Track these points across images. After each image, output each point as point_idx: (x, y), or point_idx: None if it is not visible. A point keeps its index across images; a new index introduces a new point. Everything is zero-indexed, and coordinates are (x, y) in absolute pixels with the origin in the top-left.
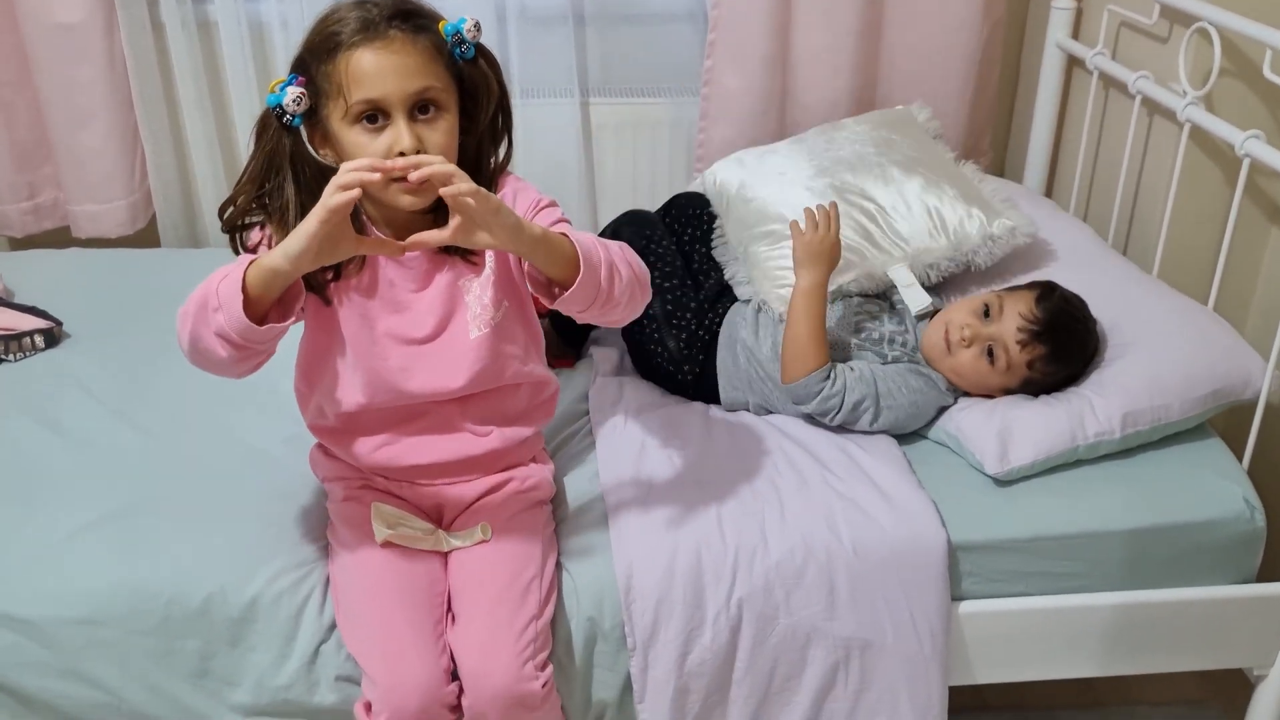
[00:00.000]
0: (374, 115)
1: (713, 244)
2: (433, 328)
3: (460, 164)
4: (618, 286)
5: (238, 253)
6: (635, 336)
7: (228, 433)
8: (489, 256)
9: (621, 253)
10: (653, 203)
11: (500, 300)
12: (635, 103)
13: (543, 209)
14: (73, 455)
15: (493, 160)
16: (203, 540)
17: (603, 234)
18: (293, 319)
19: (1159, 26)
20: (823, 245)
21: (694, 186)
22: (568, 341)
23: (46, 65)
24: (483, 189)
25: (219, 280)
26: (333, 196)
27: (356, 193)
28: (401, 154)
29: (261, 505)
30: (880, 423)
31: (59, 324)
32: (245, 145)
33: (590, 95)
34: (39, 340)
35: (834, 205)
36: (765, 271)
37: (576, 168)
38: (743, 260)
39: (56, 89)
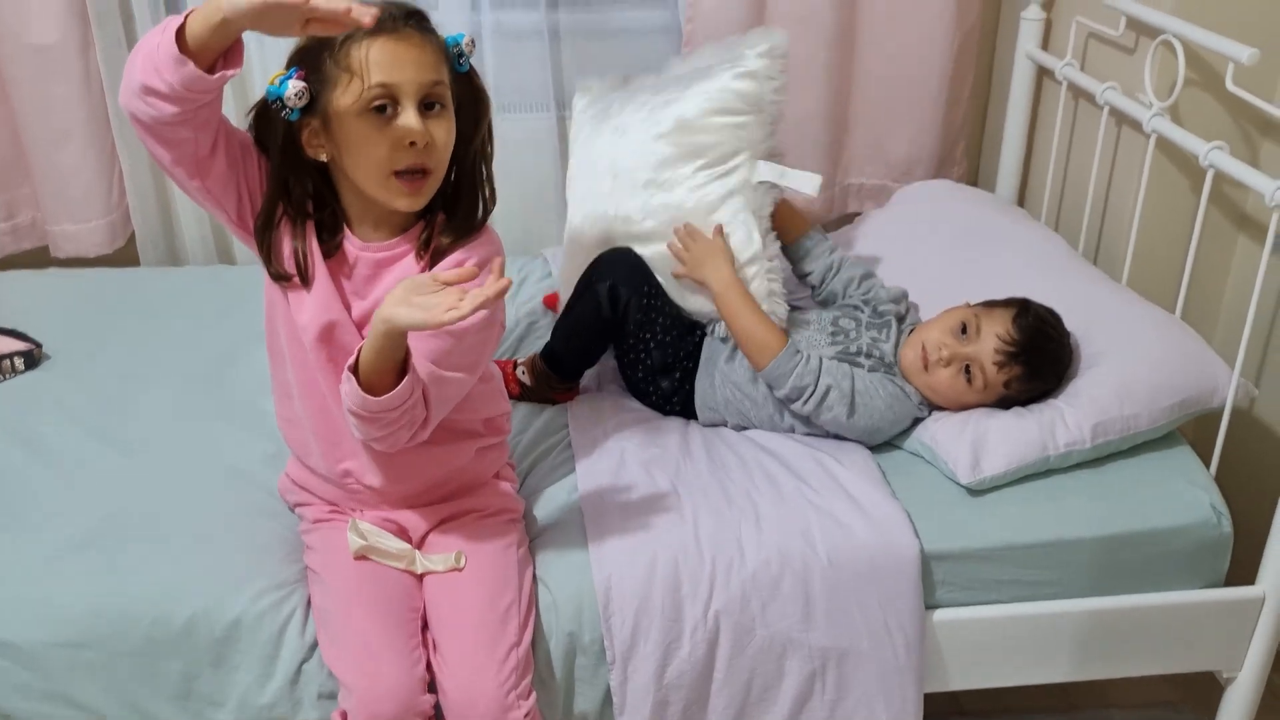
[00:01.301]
0: (384, 105)
1: None
2: (354, 336)
3: (458, 175)
4: (388, 427)
5: (270, 266)
6: (631, 378)
7: (208, 452)
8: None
9: (401, 428)
10: None
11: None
12: None
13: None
14: (54, 477)
15: (484, 181)
16: (184, 560)
17: (593, 286)
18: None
19: (1125, 38)
20: (701, 252)
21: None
22: (564, 375)
23: (22, 86)
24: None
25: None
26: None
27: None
28: (411, 144)
29: (243, 524)
30: (855, 422)
31: (38, 346)
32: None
33: (566, 109)
34: (19, 363)
35: (686, 224)
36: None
37: (553, 182)
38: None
39: (33, 109)
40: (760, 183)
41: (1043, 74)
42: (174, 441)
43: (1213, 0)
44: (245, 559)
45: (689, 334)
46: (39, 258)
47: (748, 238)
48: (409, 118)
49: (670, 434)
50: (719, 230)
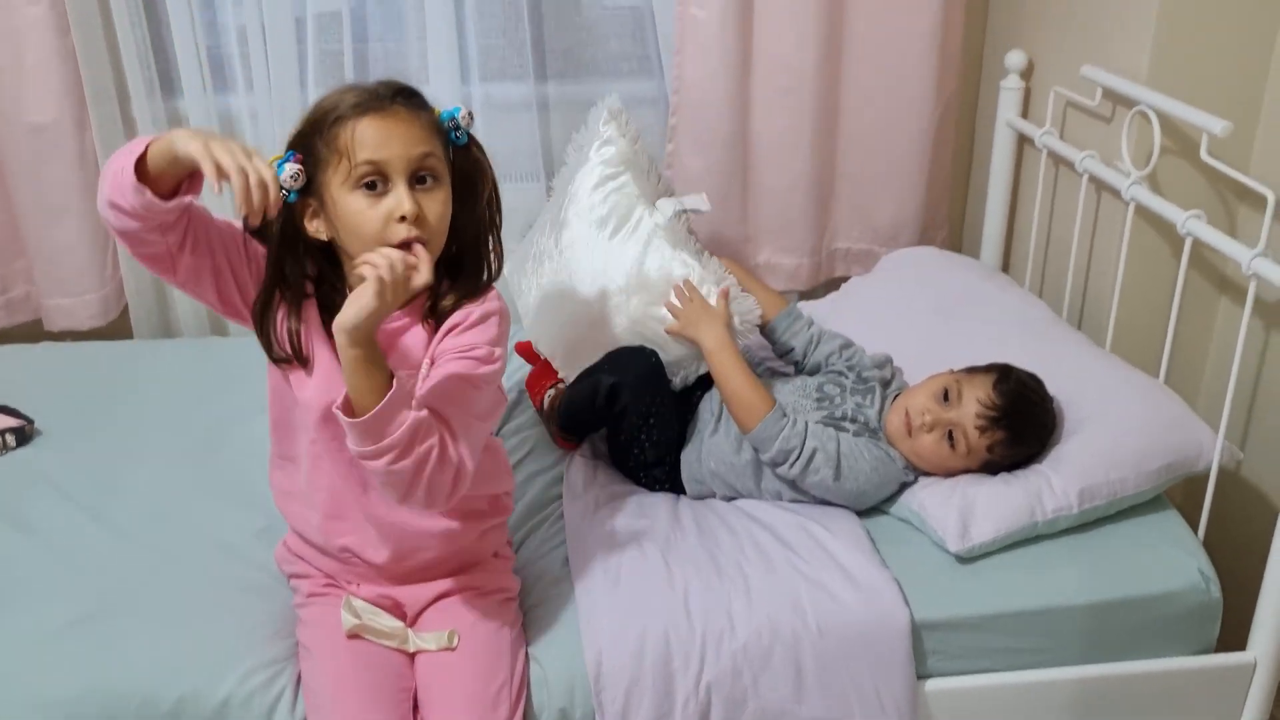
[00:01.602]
0: (374, 182)
1: None
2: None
3: (459, 248)
4: (393, 465)
5: (269, 349)
6: (621, 462)
7: (200, 527)
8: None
9: (431, 440)
10: None
11: None
12: None
13: (460, 354)
14: (44, 556)
15: (492, 249)
16: (174, 641)
17: (600, 375)
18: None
19: (1102, 108)
20: (698, 311)
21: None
22: (565, 430)
23: (18, 163)
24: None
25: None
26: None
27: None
28: (402, 219)
29: (234, 601)
30: (841, 485)
31: (30, 422)
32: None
33: (555, 178)
34: (10, 440)
35: (686, 281)
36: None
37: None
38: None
39: (28, 186)
40: (668, 219)
41: (1023, 141)
42: (165, 518)
43: (1186, 72)
44: (235, 637)
45: (679, 423)
46: (32, 331)
47: (685, 267)
48: (399, 193)
49: (660, 505)
50: (724, 294)
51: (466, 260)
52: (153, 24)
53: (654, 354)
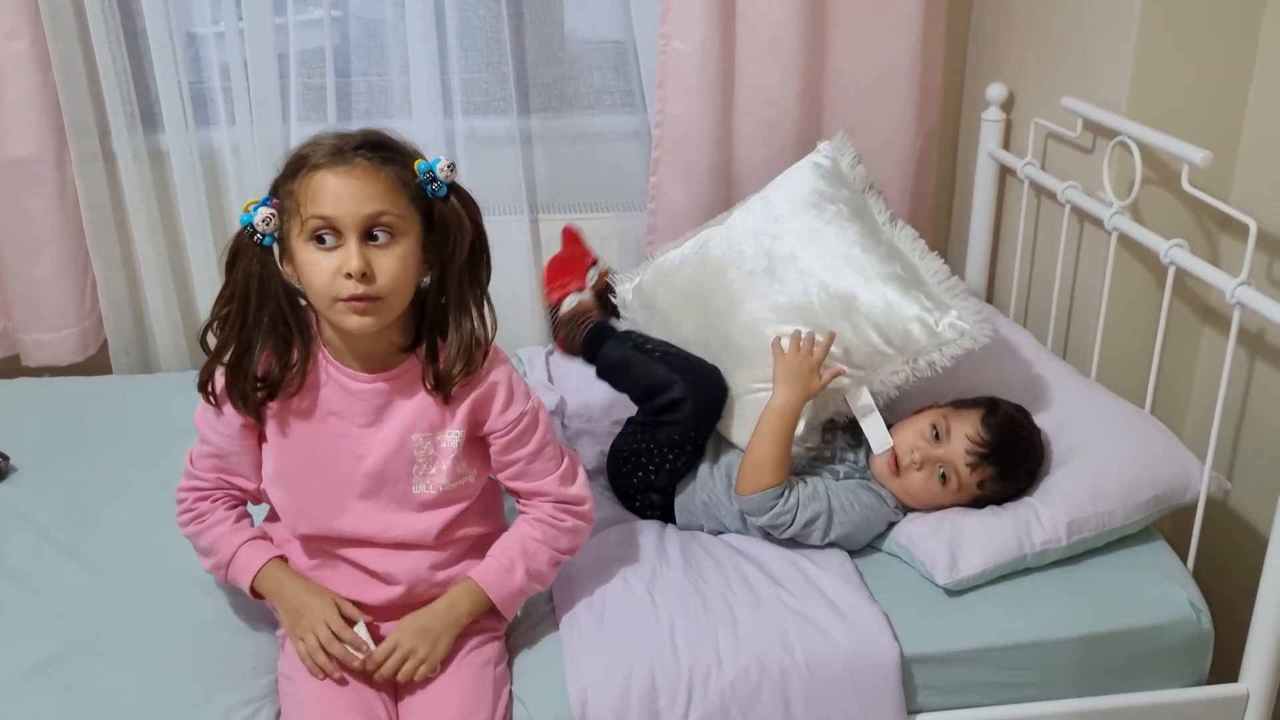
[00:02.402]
0: (324, 235)
1: None
2: (371, 468)
3: (434, 302)
4: (543, 586)
5: (206, 389)
6: (620, 474)
7: (178, 564)
8: (455, 426)
9: (541, 559)
10: None
11: (460, 475)
12: (584, 218)
13: (520, 429)
14: (19, 594)
15: (474, 301)
16: (150, 679)
17: (672, 382)
18: None
19: (1083, 139)
20: (801, 368)
21: (622, 298)
22: (592, 361)
23: None
24: (430, 657)
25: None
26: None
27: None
28: (349, 275)
29: (212, 638)
30: (831, 536)
31: (6, 459)
32: (198, 270)
33: (539, 211)
34: None
35: (830, 336)
36: (754, 415)
37: (528, 282)
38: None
39: (6, 221)
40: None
41: (1005, 173)
42: (143, 555)
43: (1166, 102)
44: (213, 675)
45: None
46: (10, 366)
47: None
48: (348, 250)
49: (646, 537)
50: (834, 375)
51: (450, 318)
52: (134, 58)
53: (725, 385)
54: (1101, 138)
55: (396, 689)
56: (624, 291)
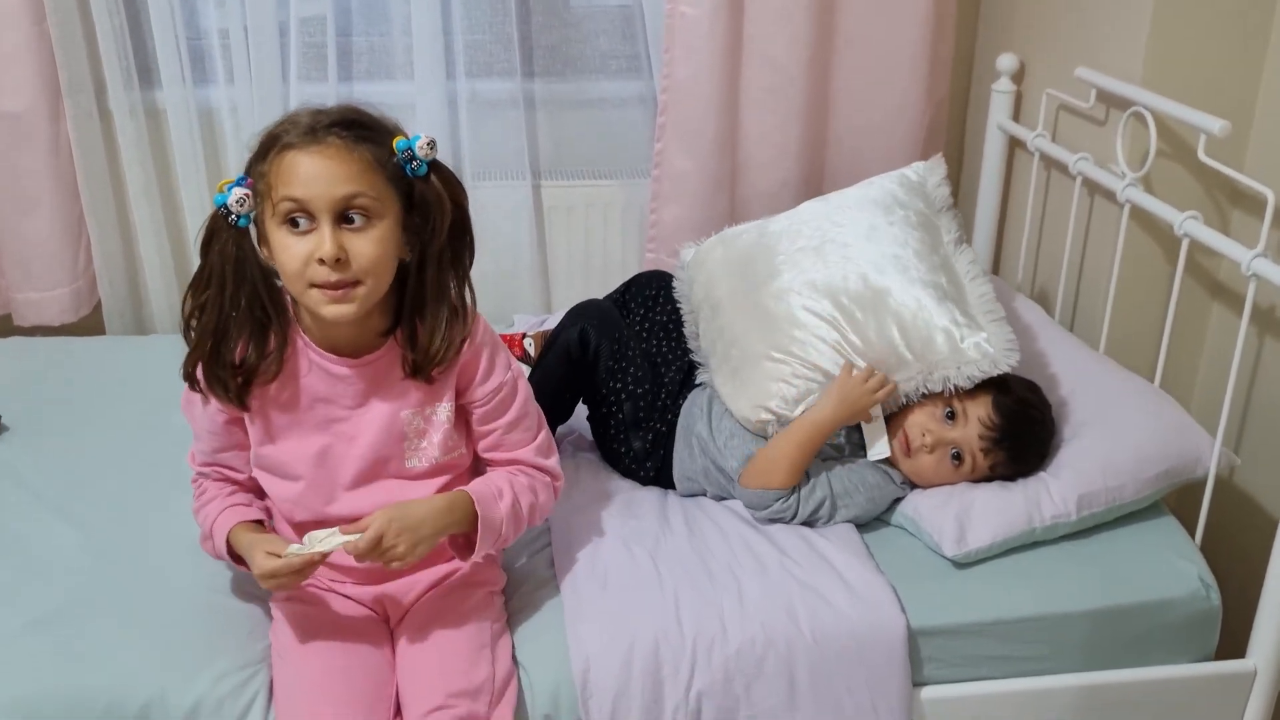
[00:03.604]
0: (297, 218)
1: (686, 334)
2: (364, 450)
3: (416, 286)
4: (516, 533)
5: (192, 380)
6: (602, 436)
7: (172, 526)
8: (445, 400)
9: (524, 500)
10: (604, 283)
11: (453, 447)
12: (587, 184)
13: (499, 399)
14: (9, 554)
15: (454, 284)
16: (142, 642)
17: (564, 331)
18: None
19: (1096, 110)
20: (858, 396)
21: (682, 259)
22: (552, 411)
23: None
24: (408, 558)
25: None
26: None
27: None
28: (321, 261)
29: (205, 602)
30: (835, 520)
31: None
32: (194, 231)
33: (542, 177)
34: None
35: (894, 385)
36: (760, 386)
37: (529, 248)
38: (722, 358)
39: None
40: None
41: (1014, 145)
42: (136, 517)
43: (1182, 72)
44: (206, 639)
45: (660, 390)
46: (1, 325)
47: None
48: (321, 234)
49: (648, 505)
50: (877, 412)
51: (428, 299)
52: (131, 12)
53: (603, 301)
54: (1115, 109)
55: (394, 643)
56: (686, 253)
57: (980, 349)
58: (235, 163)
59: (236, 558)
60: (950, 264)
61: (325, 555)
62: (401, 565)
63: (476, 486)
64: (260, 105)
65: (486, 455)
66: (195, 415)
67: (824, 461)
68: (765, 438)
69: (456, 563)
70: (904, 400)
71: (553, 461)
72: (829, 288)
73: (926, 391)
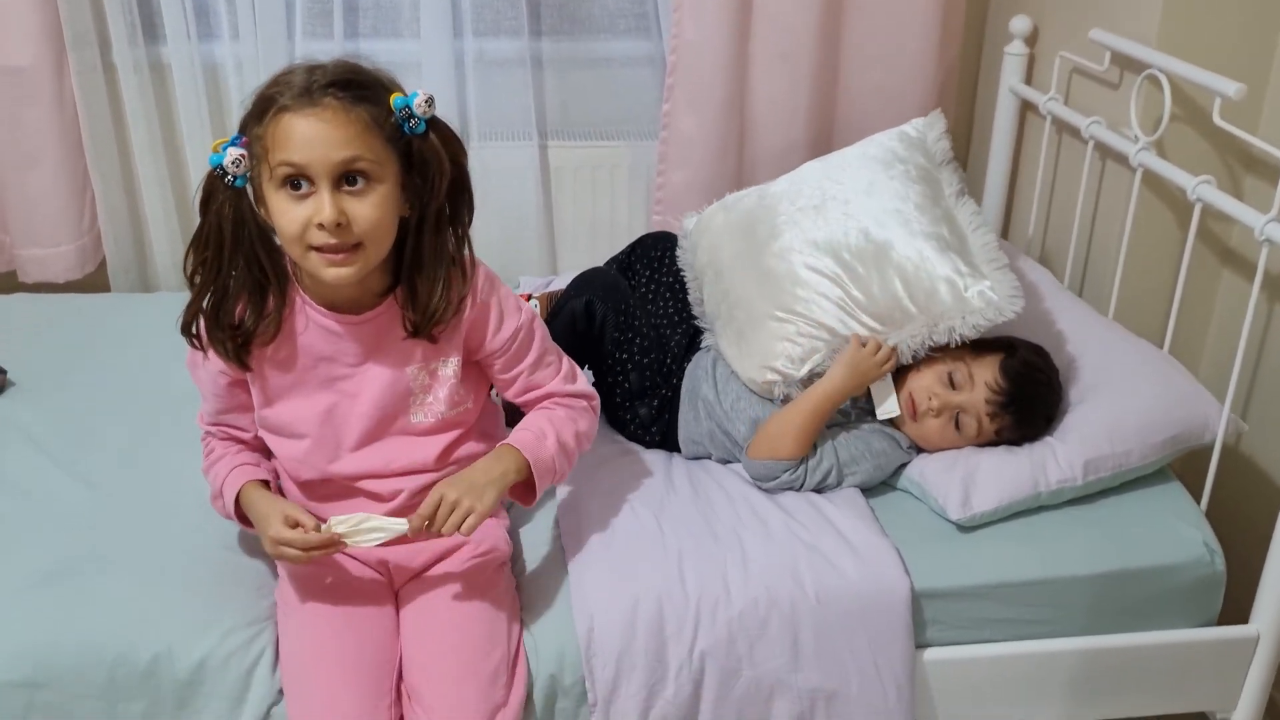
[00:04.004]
0: (298, 181)
1: (691, 300)
2: (368, 408)
3: (415, 244)
4: (569, 465)
5: (190, 333)
6: (609, 404)
7: (178, 483)
8: (450, 354)
9: (567, 433)
10: (611, 245)
11: (459, 402)
12: (594, 145)
13: (517, 344)
14: (16, 509)
15: (454, 240)
16: (151, 596)
17: (569, 302)
18: None
19: (1110, 73)
20: (867, 366)
21: (685, 228)
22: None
23: None
24: (477, 507)
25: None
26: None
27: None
28: (321, 226)
29: (213, 558)
30: (842, 487)
31: (3, 372)
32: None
33: (549, 138)
34: None
35: (894, 350)
36: (765, 346)
37: (535, 210)
38: (727, 320)
39: (3, 132)
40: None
41: (1026, 108)
42: (143, 472)
43: (1197, 34)
44: (214, 594)
45: (665, 356)
46: (7, 283)
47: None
48: (320, 198)
49: (653, 467)
50: (886, 378)
51: (425, 258)
52: None
53: (607, 269)
54: (1129, 72)
55: (399, 608)
56: (689, 221)
57: (984, 297)
58: (240, 119)
59: (244, 519)
60: (952, 216)
61: (350, 543)
62: (476, 520)
63: (518, 436)
64: (265, 62)
65: (519, 400)
66: (200, 376)
67: (829, 429)
68: (772, 399)
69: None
70: (912, 357)
71: (581, 384)
72: (830, 244)
73: (933, 344)
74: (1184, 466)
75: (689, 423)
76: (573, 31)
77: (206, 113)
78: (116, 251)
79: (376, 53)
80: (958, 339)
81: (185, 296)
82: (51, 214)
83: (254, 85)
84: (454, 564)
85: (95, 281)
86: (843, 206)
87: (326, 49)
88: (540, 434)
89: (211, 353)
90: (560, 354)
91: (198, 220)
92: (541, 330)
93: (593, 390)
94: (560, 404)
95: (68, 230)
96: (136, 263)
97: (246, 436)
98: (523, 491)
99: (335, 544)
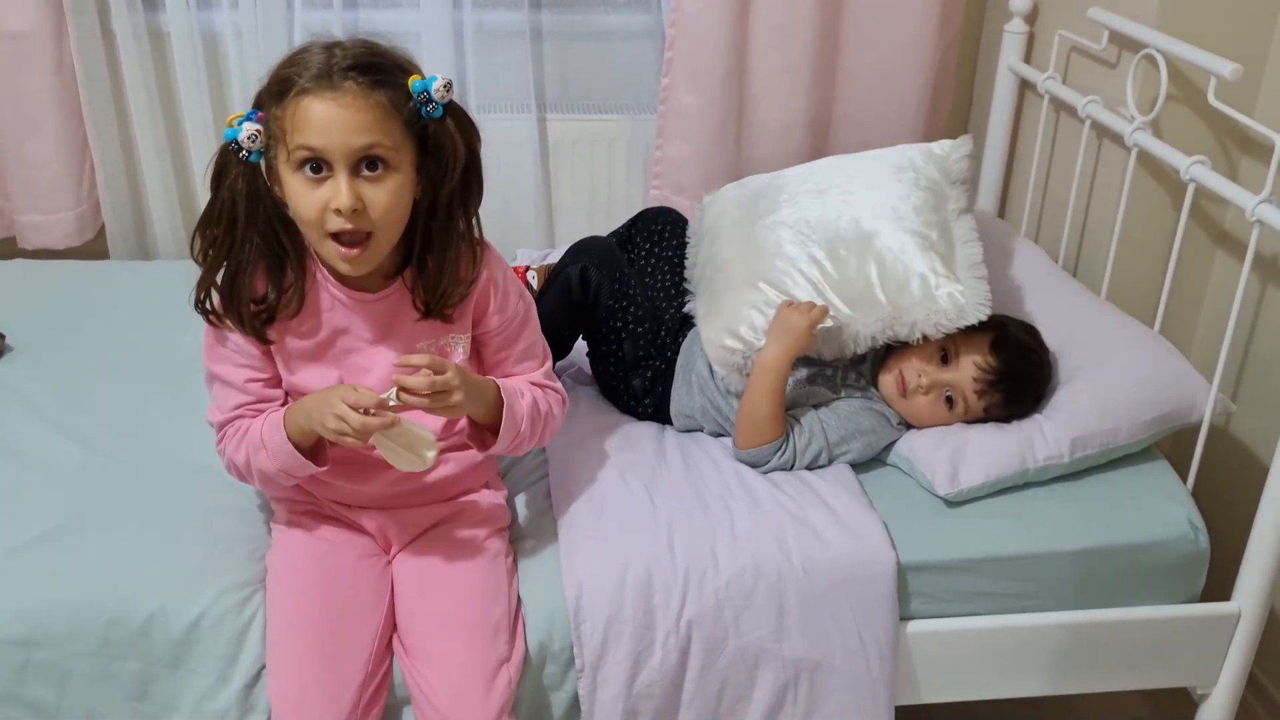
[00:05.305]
0: (317, 165)
1: (686, 265)
2: (376, 383)
3: (425, 226)
4: (530, 438)
5: (204, 309)
6: (602, 374)
7: (175, 447)
8: (461, 331)
9: (541, 406)
10: (609, 219)
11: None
12: (592, 119)
13: (514, 327)
14: (13, 471)
15: (463, 225)
16: (145, 558)
17: (565, 269)
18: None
19: (1108, 52)
20: (794, 322)
21: (698, 208)
22: (555, 347)
23: None
24: (460, 389)
25: (259, 442)
26: (330, 432)
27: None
28: (337, 211)
29: (207, 521)
30: (833, 465)
31: (2, 337)
32: (198, 157)
33: (547, 111)
34: None
35: (824, 309)
36: (734, 311)
37: (533, 183)
38: (707, 284)
39: (2, 98)
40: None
41: (1025, 87)
42: (139, 436)
43: (1195, 14)
44: (208, 557)
45: (660, 329)
46: (6, 249)
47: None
48: (337, 183)
49: (645, 439)
50: (820, 313)
51: (436, 241)
52: None
53: (603, 237)
54: (1127, 51)
55: (395, 570)
56: (708, 197)
57: (952, 299)
58: (239, 88)
59: (302, 452)
60: (947, 225)
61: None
62: (449, 413)
63: (502, 383)
64: (264, 31)
65: (502, 382)
66: (224, 355)
67: (816, 409)
68: (736, 371)
69: (461, 500)
70: (870, 342)
71: (557, 383)
72: (821, 224)
73: (894, 336)
74: (1172, 446)
75: (681, 397)
76: (572, 4)
77: (205, 81)
78: (115, 219)
79: (376, 23)
80: (919, 336)
81: (183, 264)
82: (51, 180)
83: (252, 55)
84: (453, 526)
85: (94, 248)
86: (844, 195)
87: (325, 19)
88: (520, 391)
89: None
90: (546, 350)
91: (201, 189)
92: (535, 322)
93: (565, 393)
94: (539, 386)
95: (67, 197)
96: (135, 230)
97: (279, 405)
98: (477, 438)
99: (386, 407)
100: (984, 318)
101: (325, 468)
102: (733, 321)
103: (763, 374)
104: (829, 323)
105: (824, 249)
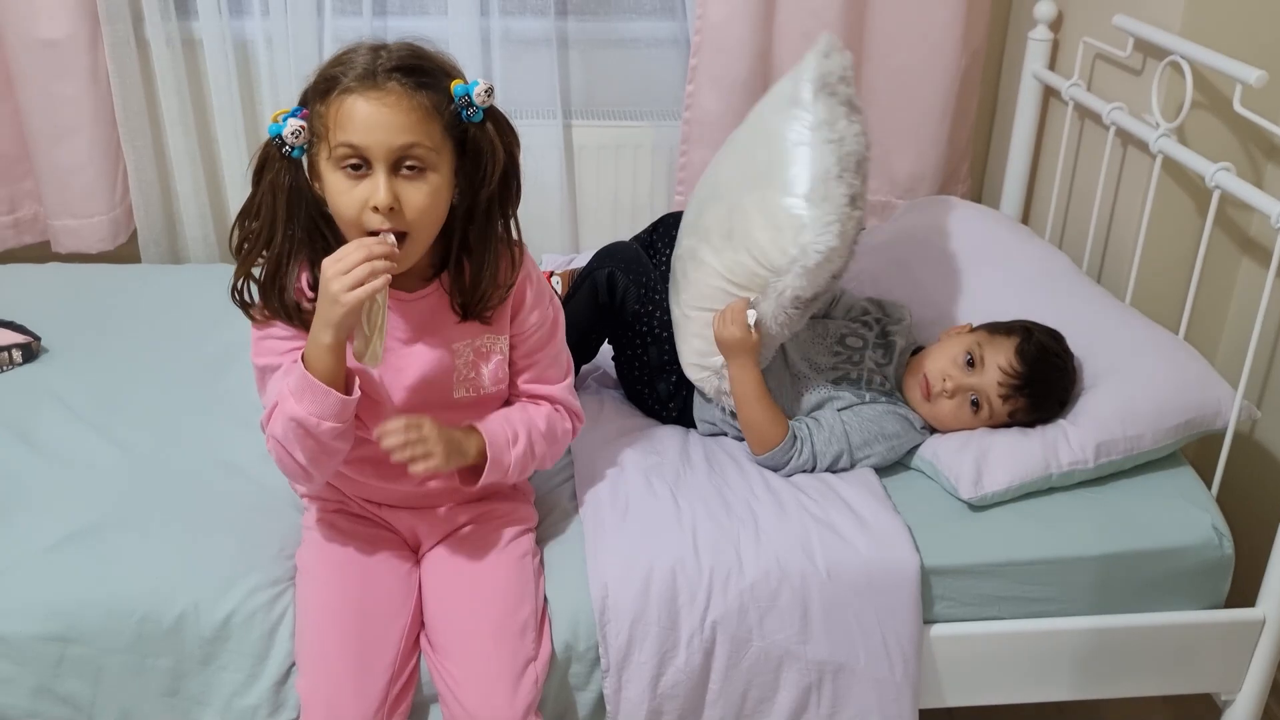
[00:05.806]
0: (357, 163)
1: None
2: (412, 381)
3: (463, 229)
4: (521, 474)
5: (241, 299)
6: (627, 378)
7: (206, 447)
8: (498, 332)
9: (539, 448)
10: (633, 225)
11: (500, 379)
12: (617, 125)
13: (543, 332)
14: (48, 470)
15: (502, 228)
16: (178, 556)
17: (592, 273)
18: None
19: (1133, 59)
20: (726, 335)
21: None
22: (581, 352)
23: (29, 80)
24: (438, 453)
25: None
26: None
27: (375, 286)
28: (375, 209)
29: (239, 520)
30: (856, 469)
31: (37, 339)
32: (229, 163)
33: (573, 117)
34: (16, 355)
35: (741, 301)
36: (685, 344)
37: (558, 188)
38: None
39: (38, 104)
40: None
41: (1049, 94)
42: (171, 436)
43: (1221, 21)
44: (239, 555)
45: None
46: (40, 253)
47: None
48: (376, 181)
49: (670, 441)
50: (745, 307)
51: (474, 244)
52: None
53: (631, 243)
54: (1152, 58)
55: (424, 569)
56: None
57: (799, 243)
58: (270, 95)
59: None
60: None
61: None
62: (425, 470)
63: (490, 427)
64: (295, 39)
65: (524, 388)
66: (268, 347)
67: (840, 412)
68: (719, 393)
69: (490, 504)
70: (788, 324)
71: (578, 402)
72: (716, 225)
73: (796, 302)
74: (1197, 451)
75: (703, 404)
76: (598, 11)
77: (237, 88)
78: (147, 224)
79: (405, 30)
80: (795, 295)
81: (214, 268)
82: (84, 186)
83: (284, 62)
84: (481, 526)
85: (126, 253)
86: (722, 186)
87: (355, 26)
88: (512, 438)
89: (278, 321)
90: (569, 363)
91: (232, 193)
92: (563, 329)
93: (582, 413)
94: (556, 411)
95: (100, 201)
96: (167, 235)
97: None
98: (466, 473)
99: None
100: (826, 247)
101: (355, 396)
102: (689, 354)
103: (734, 389)
104: (752, 314)
105: (723, 253)
